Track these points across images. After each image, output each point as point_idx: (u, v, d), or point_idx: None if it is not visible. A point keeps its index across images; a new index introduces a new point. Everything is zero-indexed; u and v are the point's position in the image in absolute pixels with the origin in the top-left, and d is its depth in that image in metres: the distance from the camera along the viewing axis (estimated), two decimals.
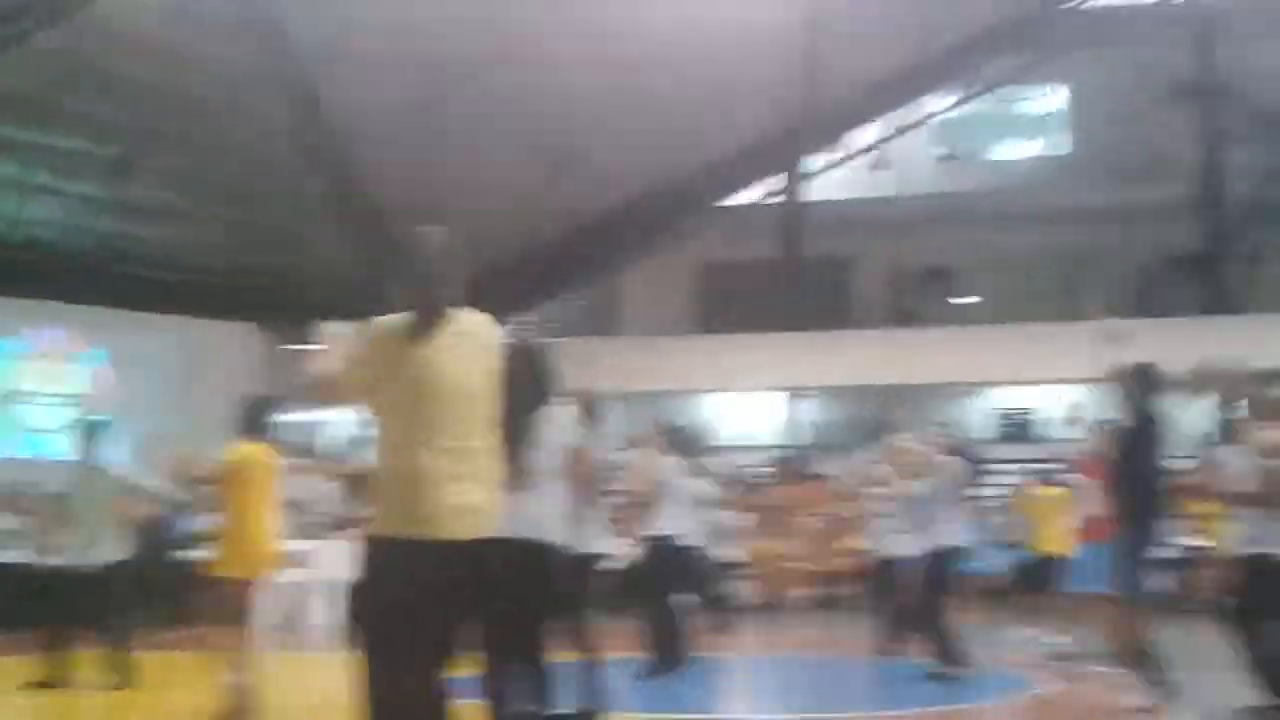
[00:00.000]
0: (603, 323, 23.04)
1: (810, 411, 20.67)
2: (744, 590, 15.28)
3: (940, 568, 7.92)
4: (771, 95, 18.74)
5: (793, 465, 18.06)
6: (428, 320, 3.28)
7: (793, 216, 21.09)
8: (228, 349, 18.55)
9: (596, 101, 17.67)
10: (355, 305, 20.17)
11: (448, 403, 3.23)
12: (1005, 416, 20.26)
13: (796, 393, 20.44)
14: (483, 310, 3.48)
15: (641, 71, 17.28)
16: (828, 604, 15.69)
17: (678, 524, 8.35)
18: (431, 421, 3.21)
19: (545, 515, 4.88)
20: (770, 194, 21.82)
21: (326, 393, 3.49)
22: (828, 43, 18.54)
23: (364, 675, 3.10)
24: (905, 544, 8.31)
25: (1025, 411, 20.17)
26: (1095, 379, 19.14)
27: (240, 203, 18.20)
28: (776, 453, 19.23)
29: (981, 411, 20.58)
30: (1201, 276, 20.58)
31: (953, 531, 7.99)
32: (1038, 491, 11.20)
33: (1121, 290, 21.74)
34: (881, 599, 9.46)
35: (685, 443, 9.17)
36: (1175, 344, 18.33)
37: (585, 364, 19.93)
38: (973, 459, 8.82)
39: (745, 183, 21.80)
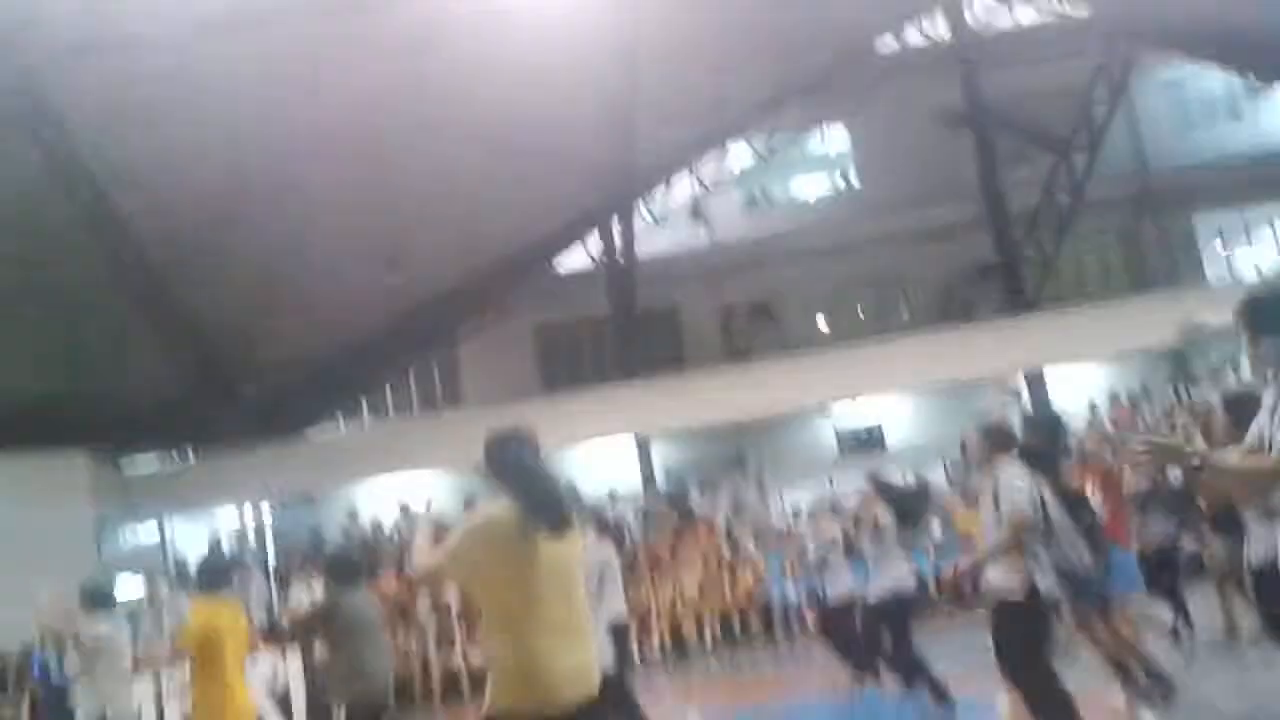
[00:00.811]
0: (445, 396, 23.02)
1: (664, 455, 21.11)
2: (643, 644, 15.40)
3: (897, 607, 8.28)
4: (588, 162, 19.45)
5: (668, 509, 18.49)
6: (554, 523, 3.65)
7: (619, 273, 21.77)
8: (55, 479, 17.58)
9: (417, 186, 17.88)
10: (178, 423, 19.71)
11: (560, 585, 3.61)
12: (850, 434, 21.27)
13: (644, 439, 20.88)
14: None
15: (461, 152, 17.55)
16: (728, 645, 15.98)
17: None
18: (548, 604, 3.57)
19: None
20: (598, 254, 22.43)
21: (433, 584, 3.78)
22: (636, 111, 19.40)
23: None
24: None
25: (871, 426, 21.24)
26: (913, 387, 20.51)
27: (48, 329, 17.35)
28: (645, 499, 19.60)
29: (827, 431, 21.53)
30: (998, 283, 22.34)
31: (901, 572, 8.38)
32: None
33: (926, 303, 23.46)
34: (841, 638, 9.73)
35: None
36: (982, 345, 20.29)
37: (432, 439, 20.15)
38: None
39: (570, 246, 22.41)
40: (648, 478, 20.40)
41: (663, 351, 22.37)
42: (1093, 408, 19.85)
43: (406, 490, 20.46)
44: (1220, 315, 20.25)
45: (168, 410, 19.00)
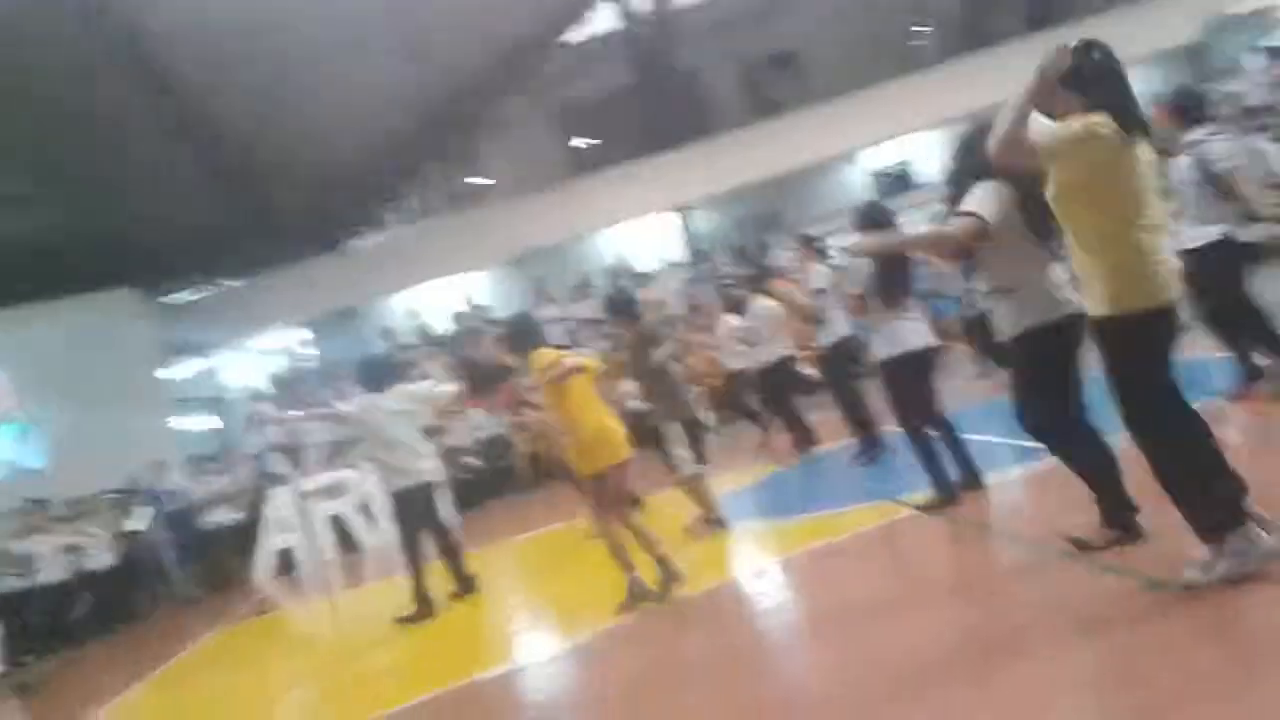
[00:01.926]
0: (477, 191, 22.83)
1: (705, 222, 21.07)
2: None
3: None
4: None
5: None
6: (1145, 126, 3.64)
7: (633, 39, 21.07)
8: (110, 318, 17.84)
9: None
10: (218, 250, 19.73)
11: (1153, 186, 3.65)
12: (882, 174, 21.07)
13: (686, 210, 20.80)
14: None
15: None
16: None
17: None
18: (1153, 204, 3.62)
19: None
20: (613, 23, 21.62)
21: (1025, 156, 3.62)
22: None
23: None
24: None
25: (901, 165, 21.01)
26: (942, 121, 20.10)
27: (88, 171, 17.16)
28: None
29: (860, 175, 21.34)
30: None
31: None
32: None
33: (949, 27, 22.64)
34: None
35: None
36: (1003, 68, 19.70)
37: (471, 237, 20.09)
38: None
39: (577, 17, 21.55)
40: (696, 248, 20.40)
41: (689, 116, 21.84)
42: None
43: (450, 292, 20.69)
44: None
45: (207, 238, 18.98)
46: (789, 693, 4.09)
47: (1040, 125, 3.54)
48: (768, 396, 9.93)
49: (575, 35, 21.71)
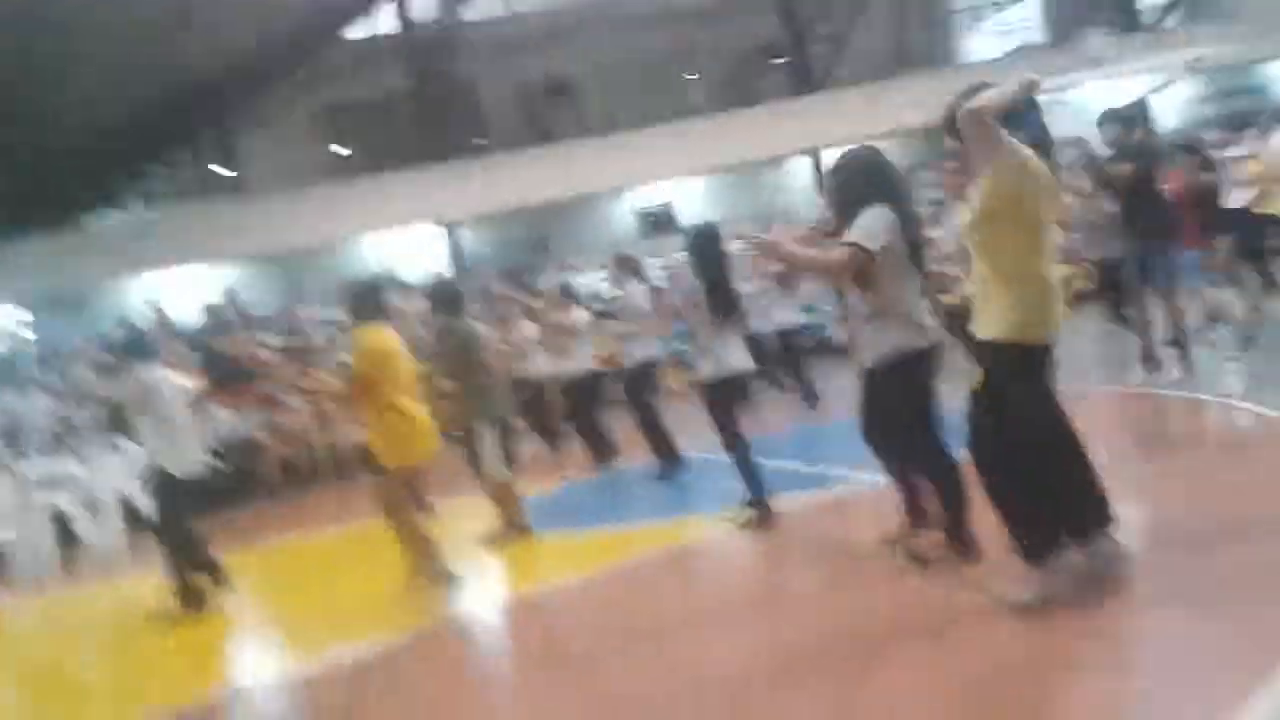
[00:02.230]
0: (229, 181, 21.62)
1: (471, 240, 20.94)
2: None
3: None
4: None
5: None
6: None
7: (413, 45, 20.76)
8: None
9: None
10: None
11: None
12: (646, 214, 21.69)
13: (452, 224, 20.61)
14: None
15: None
16: None
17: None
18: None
19: None
20: (392, 26, 21.16)
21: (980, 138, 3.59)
22: None
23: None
24: None
25: (664, 206, 21.71)
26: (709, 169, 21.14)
27: None
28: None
29: (625, 213, 21.89)
30: (787, 63, 22.92)
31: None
32: None
33: (718, 81, 23.76)
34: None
35: None
36: (765, 125, 21.04)
37: (218, 229, 19.08)
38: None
39: (361, 12, 20.98)
40: (460, 265, 20.20)
41: (462, 131, 21.69)
42: None
43: (187, 283, 19.51)
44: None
45: None
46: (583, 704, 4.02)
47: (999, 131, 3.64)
48: (573, 408, 9.98)
49: (352, 33, 21.16)
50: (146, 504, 12.06)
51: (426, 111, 20.86)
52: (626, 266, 8.73)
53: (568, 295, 9.27)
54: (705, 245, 6.16)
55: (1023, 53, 23.70)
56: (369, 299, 5.94)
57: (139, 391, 6.78)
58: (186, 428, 6.97)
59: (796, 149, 21.69)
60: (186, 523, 6.90)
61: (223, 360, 14.75)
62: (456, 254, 20.52)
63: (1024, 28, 25.88)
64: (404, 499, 5.71)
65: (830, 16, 23.02)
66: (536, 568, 6.60)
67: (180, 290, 19.40)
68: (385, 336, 5.79)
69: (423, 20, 20.89)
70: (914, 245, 4.46)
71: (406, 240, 20.44)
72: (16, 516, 11.52)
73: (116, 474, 12.07)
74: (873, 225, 4.30)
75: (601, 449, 9.57)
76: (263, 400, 13.49)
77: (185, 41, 17.37)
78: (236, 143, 21.56)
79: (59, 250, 18.74)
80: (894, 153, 17.60)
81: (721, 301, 6.08)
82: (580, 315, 9.91)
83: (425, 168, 20.05)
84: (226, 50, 18.38)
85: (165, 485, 6.89)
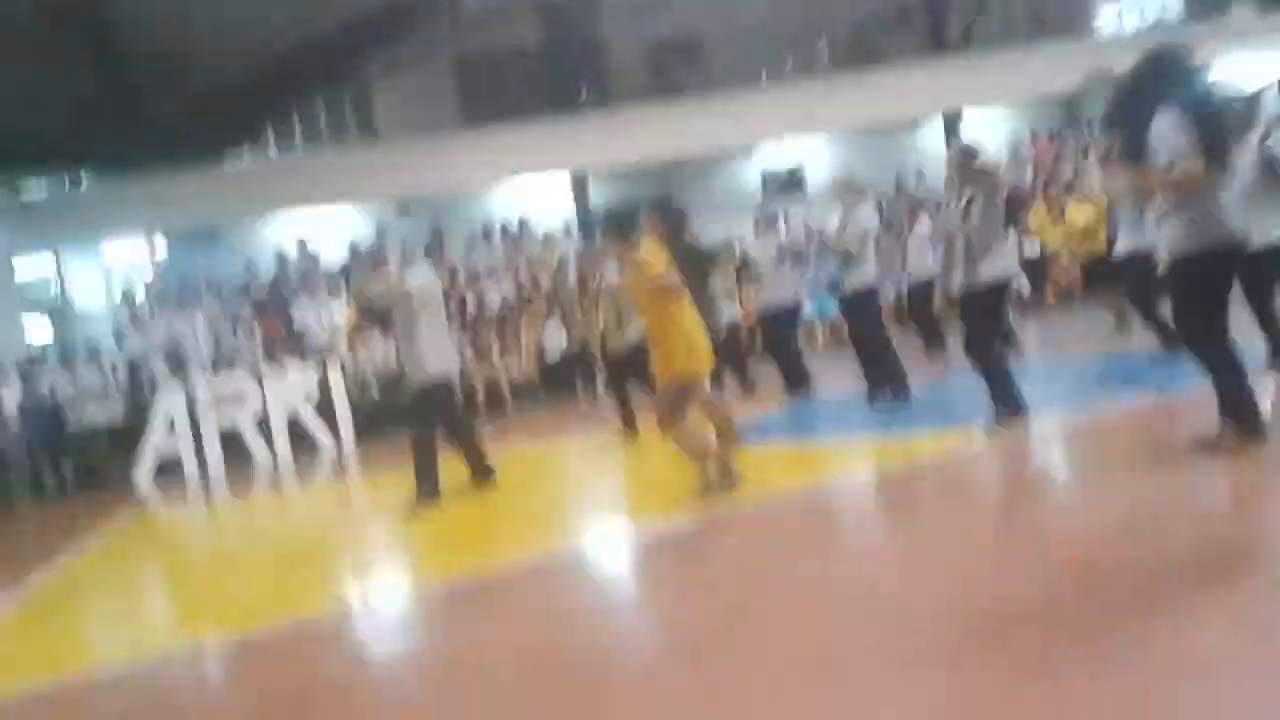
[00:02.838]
0: (358, 129, 21.96)
1: (598, 195, 21.05)
2: None
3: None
4: None
5: None
6: None
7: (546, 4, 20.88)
8: None
9: None
10: (82, 143, 18.30)
11: None
12: (773, 174, 21.62)
13: (581, 176, 20.76)
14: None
15: None
16: None
17: None
18: None
19: None
20: None
21: None
22: None
23: None
24: None
25: (793, 167, 21.61)
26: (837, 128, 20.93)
27: None
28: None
29: (753, 171, 21.84)
30: (920, 23, 22.58)
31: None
32: None
33: (849, 39, 23.46)
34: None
35: None
36: (896, 86, 20.82)
37: (345, 172, 19.44)
38: None
39: None
40: (584, 215, 20.33)
41: (590, 86, 21.75)
42: (1014, 145, 20.80)
43: (318, 224, 19.95)
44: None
45: (74, 129, 17.56)
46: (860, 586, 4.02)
47: None
48: (770, 341, 10.08)
49: None
50: (315, 423, 12.59)
51: (557, 65, 20.97)
52: (851, 188, 8.51)
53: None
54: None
55: (1161, 26, 23.09)
56: (631, 220, 6.01)
57: (411, 293, 6.99)
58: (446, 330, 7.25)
59: (929, 111, 21.47)
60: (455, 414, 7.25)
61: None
62: (584, 207, 20.63)
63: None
64: (682, 411, 5.76)
65: None
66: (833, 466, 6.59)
67: (318, 230, 19.87)
68: (657, 252, 5.86)
69: None
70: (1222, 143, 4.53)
71: (536, 190, 20.62)
72: (190, 432, 11.93)
73: (286, 393, 12.43)
74: (1177, 132, 4.43)
75: (798, 380, 9.57)
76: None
77: None
78: (372, 90, 21.87)
79: (203, 187, 19.24)
80: (1029, 119, 17.52)
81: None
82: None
83: (554, 119, 20.18)
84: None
85: (439, 385, 7.15)
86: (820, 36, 23.05)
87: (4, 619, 5.63)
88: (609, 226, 5.96)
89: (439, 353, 7.12)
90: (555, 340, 15.59)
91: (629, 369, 8.47)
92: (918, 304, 11.29)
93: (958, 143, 6.89)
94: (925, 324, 11.14)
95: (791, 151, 21.70)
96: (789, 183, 21.34)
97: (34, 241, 18.53)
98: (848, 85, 20.93)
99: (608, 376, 10.25)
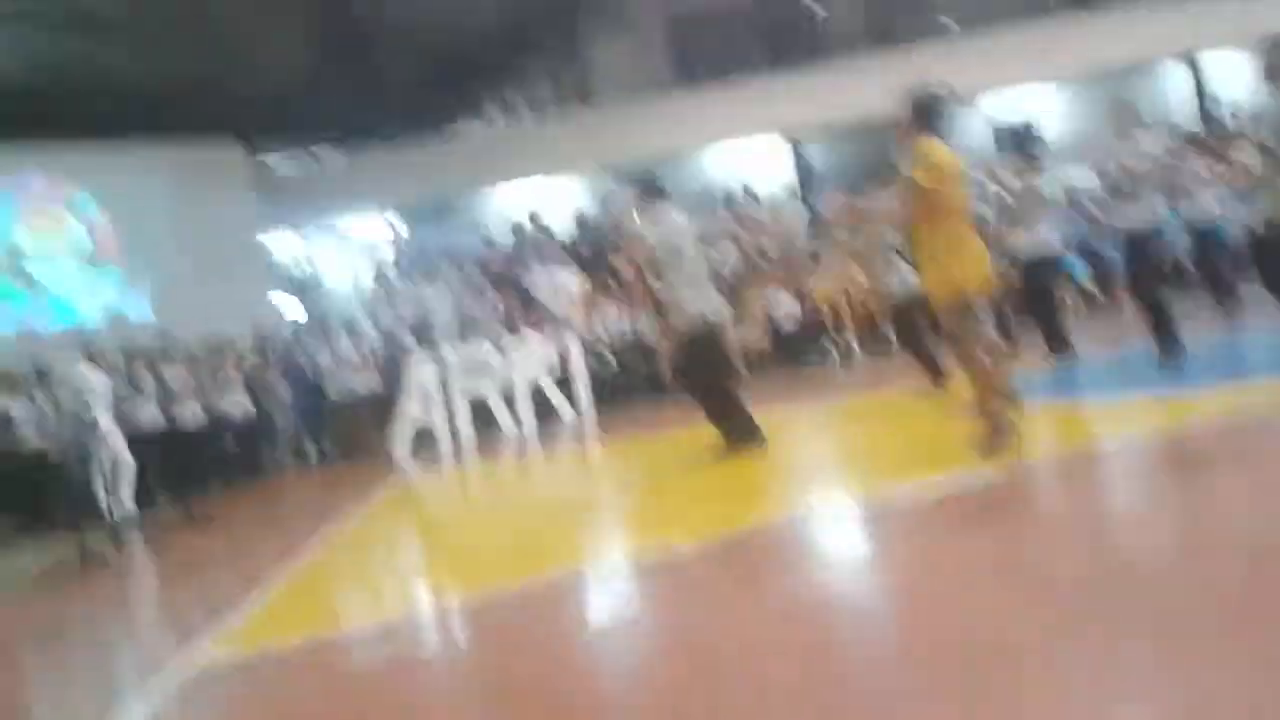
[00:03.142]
0: (578, 94, 22.18)
1: (815, 156, 20.62)
2: None
3: None
4: None
5: None
6: None
7: None
8: (213, 170, 17.34)
9: None
10: (331, 120, 19.14)
11: None
12: (1003, 127, 20.57)
13: (795, 137, 20.35)
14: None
15: None
16: None
17: None
18: None
19: None
20: None
21: None
22: None
23: None
24: None
25: (1026, 124, 20.50)
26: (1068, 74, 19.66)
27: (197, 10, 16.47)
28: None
29: (979, 124, 20.87)
30: None
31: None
32: None
33: None
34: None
35: None
36: (1130, 27, 19.38)
37: (572, 140, 19.64)
38: None
39: None
40: (804, 175, 19.97)
41: (806, 42, 21.24)
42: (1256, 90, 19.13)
43: (546, 195, 20.27)
44: None
45: (311, 99, 18.38)
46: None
47: None
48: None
49: None
50: (555, 395, 12.88)
51: (771, 23, 20.54)
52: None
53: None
54: None
55: None
56: (935, 108, 5.37)
57: (672, 242, 6.95)
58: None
59: (1168, 53, 19.96)
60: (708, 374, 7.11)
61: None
62: (803, 167, 20.24)
63: None
64: (972, 329, 5.35)
65: None
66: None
67: (543, 200, 20.24)
68: (952, 153, 5.32)
69: None
70: None
71: (753, 151, 20.35)
72: (442, 403, 12.34)
73: (530, 364, 12.71)
74: None
75: (1059, 341, 9.03)
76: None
77: None
78: (588, 55, 22.03)
79: (428, 159, 19.86)
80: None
81: None
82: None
83: (770, 77, 19.81)
84: None
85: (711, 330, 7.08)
86: None
87: (289, 581, 5.88)
88: (915, 106, 5.37)
89: (705, 296, 7.10)
90: (785, 308, 15.39)
91: (918, 314, 8.10)
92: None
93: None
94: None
95: (1019, 100, 20.57)
96: (1024, 139, 20.22)
97: (280, 217, 19.55)
98: (1075, 27, 19.70)
99: (895, 329, 9.94)
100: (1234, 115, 18.64)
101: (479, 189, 20.70)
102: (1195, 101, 20.25)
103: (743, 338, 13.34)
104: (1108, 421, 6.15)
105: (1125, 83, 20.30)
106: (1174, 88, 20.36)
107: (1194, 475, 4.52)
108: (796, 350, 15.01)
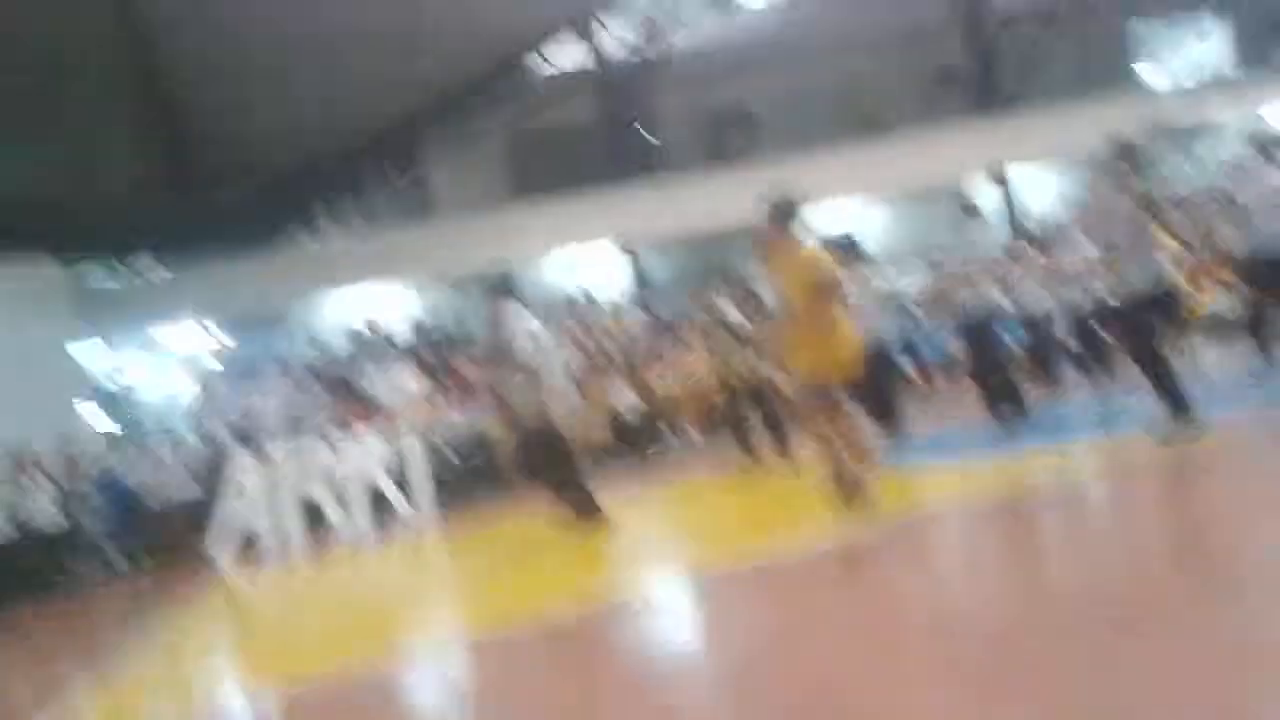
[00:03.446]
0: (415, 207, 22.11)
1: (651, 262, 20.98)
2: None
3: None
4: None
5: None
6: None
7: (598, 79, 21.13)
8: (23, 284, 16.39)
9: None
10: (144, 230, 18.48)
11: None
12: (829, 241, 21.35)
13: (630, 246, 20.73)
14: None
15: None
16: None
17: None
18: None
19: None
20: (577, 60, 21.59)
21: None
22: None
23: None
24: None
25: (848, 235, 21.38)
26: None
27: (27, 124, 15.84)
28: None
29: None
30: (974, 83, 22.61)
31: None
32: None
33: (902, 104, 23.45)
34: None
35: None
36: (954, 146, 20.70)
37: (407, 250, 19.49)
38: None
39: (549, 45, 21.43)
40: (640, 284, 20.25)
41: (641, 158, 21.84)
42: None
43: (378, 302, 19.92)
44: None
45: (137, 216, 17.72)
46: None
47: None
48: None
49: (541, 69, 21.65)
50: (392, 492, 12.30)
51: (612, 139, 21.09)
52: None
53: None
54: None
55: (1215, 83, 23.00)
56: (793, 212, 5.77)
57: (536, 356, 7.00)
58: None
59: (978, 168, 21.38)
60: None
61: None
62: (640, 275, 20.55)
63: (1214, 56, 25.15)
64: (828, 413, 5.52)
65: (1016, 40, 22.66)
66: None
67: (376, 307, 19.85)
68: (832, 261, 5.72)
69: (614, 56, 21.23)
70: None
71: (592, 260, 20.58)
72: (268, 504, 11.62)
73: (364, 462, 12.15)
74: None
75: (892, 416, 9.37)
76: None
77: (396, 74, 17.96)
78: (427, 169, 22.09)
79: (255, 269, 19.28)
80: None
81: None
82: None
83: (606, 190, 20.22)
84: (429, 84, 18.91)
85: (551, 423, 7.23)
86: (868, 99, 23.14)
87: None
88: (775, 210, 5.65)
89: (550, 391, 7.14)
90: (624, 401, 15.47)
91: (752, 400, 8.30)
92: None
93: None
94: None
95: (840, 214, 21.55)
96: (847, 248, 21.09)
97: (91, 327, 18.54)
98: (897, 145, 20.93)
99: (724, 411, 10.21)
100: (1041, 226, 19.98)
101: (309, 297, 20.17)
102: (1006, 212, 21.64)
103: (585, 429, 13.25)
104: (939, 486, 6.85)
105: (940, 196, 21.55)
106: (984, 201, 21.71)
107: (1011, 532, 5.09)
108: (638, 440, 15.13)
